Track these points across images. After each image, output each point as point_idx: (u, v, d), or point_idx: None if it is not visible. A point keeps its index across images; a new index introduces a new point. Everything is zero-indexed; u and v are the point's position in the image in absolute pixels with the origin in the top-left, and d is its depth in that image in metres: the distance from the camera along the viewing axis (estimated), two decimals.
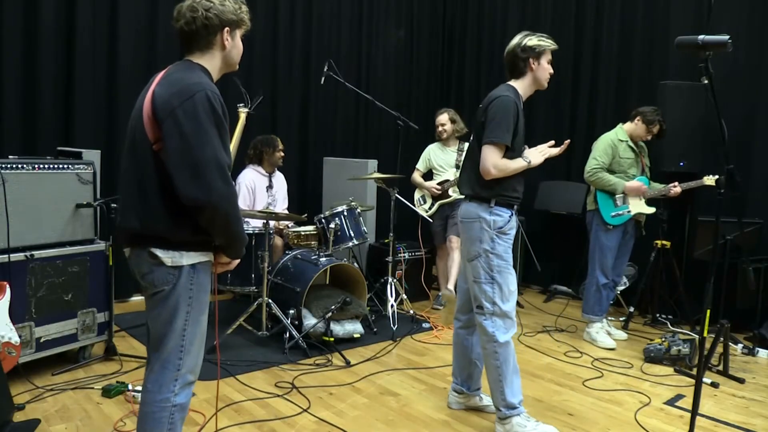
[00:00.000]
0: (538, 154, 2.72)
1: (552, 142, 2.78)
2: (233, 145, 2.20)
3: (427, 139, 6.49)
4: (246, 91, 2.34)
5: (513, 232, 2.73)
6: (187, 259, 1.88)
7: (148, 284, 1.90)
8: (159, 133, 1.78)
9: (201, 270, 1.93)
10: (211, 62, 1.93)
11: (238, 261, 2.06)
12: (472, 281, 2.72)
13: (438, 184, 4.81)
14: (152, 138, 1.80)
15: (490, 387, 2.73)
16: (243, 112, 2.44)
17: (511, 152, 2.65)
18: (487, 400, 2.96)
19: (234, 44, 1.95)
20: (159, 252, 1.85)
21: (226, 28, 1.90)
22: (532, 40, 2.71)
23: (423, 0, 6.74)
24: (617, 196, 4.03)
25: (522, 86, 2.75)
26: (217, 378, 3.00)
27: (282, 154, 4.71)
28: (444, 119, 4.82)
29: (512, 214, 2.71)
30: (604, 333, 4.16)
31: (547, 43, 2.74)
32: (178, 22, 1.89)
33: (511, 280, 2.70)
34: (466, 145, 4.79)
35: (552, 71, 2.79)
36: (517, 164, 2.65)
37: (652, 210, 4.09)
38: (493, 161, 2.60)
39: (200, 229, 1.86)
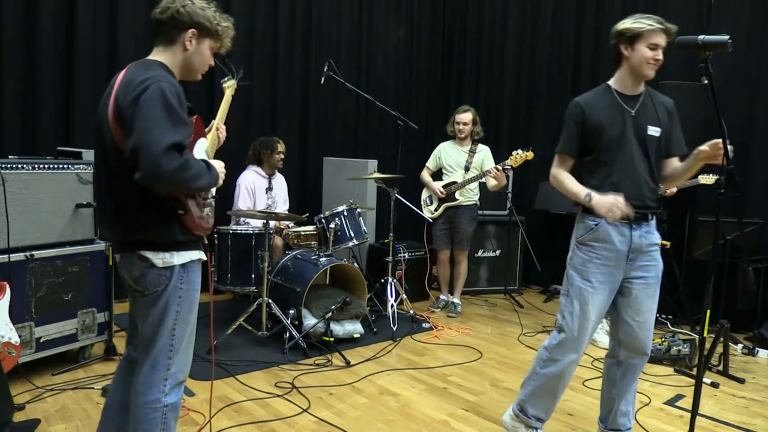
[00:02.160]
0: (606, 205, 2.24)
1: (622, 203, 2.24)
2: (219, 120, 2.20)
3: (427, 139, 6.53)
4: (227, 63, 2.31)
5: (604, 246, 2.36)
6: (178, 258, 1.89)
7: (141, 288, 1.90)
8: (124, 138, 1.75)
9: (191, 269, 1.93)
10: (173, 60, 1.91)
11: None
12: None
13: (444, 186, 4.78)
14: (121, 144, 1.78)
15: (526, 375, 2.64)
16: (228, 87, 2.39)
17: (595, 154, 2.37)
18: None
19: (198, 50, 1.92)
20: (149, 254, 1.85)
21: (193, 30, 1.88)
22: (625, 24, 2.34)
23: (423, 0, 6.75)
24: None
25: (618, 78, 2.43)
26: (219, 378, 3.00)
27: (281, 156, 4.69)
28: (467, 118, 4.73)
29: (599, 224, 2.35)
30: (604, 333, 4.16)
31: (642, 24, 2.33)
32: (156, 10, 1.90)
33: (586, 299, 2.38)
34: (479, 146, 4.80)
35: (658, 57, 2.36)
36: (574, 188, 2.38)
37: None
38: (553, 171, 2.47)
39: (188, 229, 1.86)
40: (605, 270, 2.38)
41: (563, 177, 2.44)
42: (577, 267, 2.43)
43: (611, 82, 2.45)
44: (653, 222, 2.44)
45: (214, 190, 2.00)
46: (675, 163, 2.50)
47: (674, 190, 3.99)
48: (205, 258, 2.02)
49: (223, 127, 2.19)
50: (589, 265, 2.39)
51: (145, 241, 1.85)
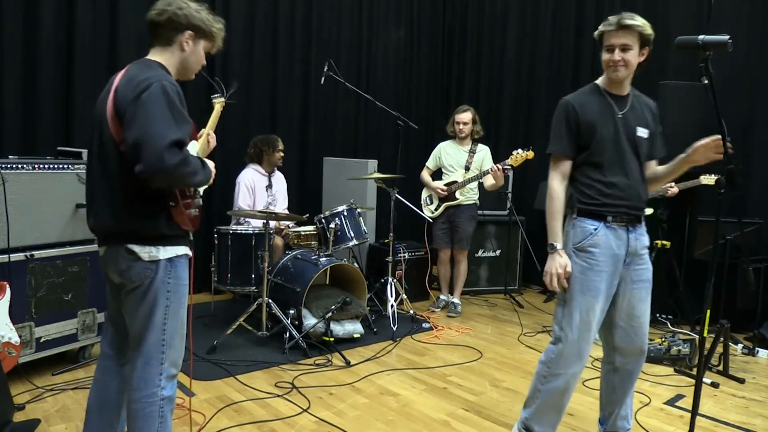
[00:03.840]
0: (552, 271, 2.31)
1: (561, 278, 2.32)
2: (209, 129, 2.23)
3: (427, 139, 6.53)
4: (219, 81, 2.34)
5: (601, 251, 2.29)
6: (164, 253, 1.91)
7: (126, 280, 1.92)
8: (123, 133, 1.81)
9: (178, 263, 1.96)
10: (170, 60, 1.98)
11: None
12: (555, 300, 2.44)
13: (445, 185, 4.79)
14: (117, 138, 1.84)
15: (528, 394, 2.55)
16: (218, 103, 2.43)
17: (588, 152, 2.33)
18: None
19: (193, 50, 1.99)
20: (136, 248, 1.88)
21: (189, 32, 1.96)
22: (598, 30, 2.32)
23: (423, 0, 6.75)
24: None
25: (605, 80, 2.40)
26: (219, 378, 3.00)
27: (281, 154, 4.70)
28: (467, 118, 4.73)
29: (599, 228, 2.29)
30: None
31: (600, 28, 2.30)
32: (152, 12, 1.96)
33: (587, 308, 2.31)
34: (479, 146, 4.80)
35: (615, 58, 2.28)
36: (556, 224, 2.33)
37: (649, 211, 4.09)
38: (552, 183, 2.38)
39: (176, 223, 1.91)
40: (605, 277, 2.31)
41: (554, 200, 2.35)
42: (576, 275, 2.32)
43: (600, 82, 2.43)
44: (644, 224, 2.43)
45: (201, 190, 2.05)
46: (654, 165, 2.49)
47: (675, 190, 3.99)
48: (191, 254, 2.04)
49: (213, 135, 2.24)
50: (589, 272, 2.31)
51: (133, 233, 1.88)
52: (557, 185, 2.36)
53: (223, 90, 2.50)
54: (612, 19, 2.27)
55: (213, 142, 2.23)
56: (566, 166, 2.38)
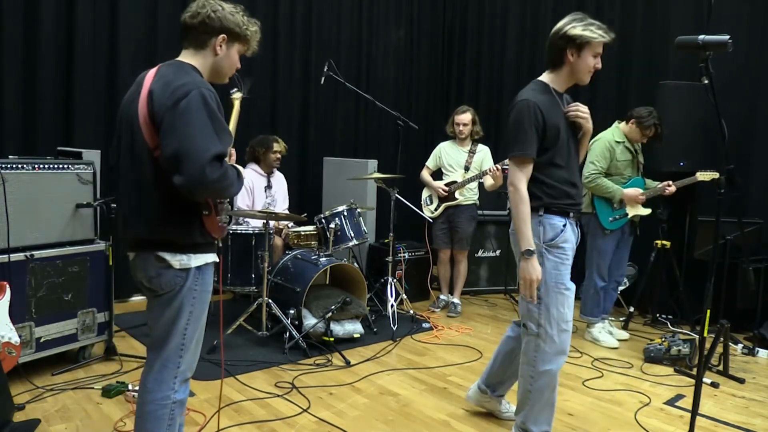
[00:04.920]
0: (529, 276, 2.33)
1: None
2: (231, 130, 2.22)
3: (427, 139, 6.53)
4: (237, 76, 2.36)
5: (569, 245, 2.40)
6: (195, 261, 1.90)
7: (155, 287, 1.91)
8: (158, 140, 1.77)
9: (206, 271, 1.96)
10: (203, 63, 1.93)
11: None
12: (521, 296, 2.46)
13: (446, 185, 4.79)
14: (152, 144, 1.80)
15: (517, 400, 2.58)
16: (237, 98, 2.43)
17: (549, 154, 2.38)
18: (506, 407, 2.84)
19: (227, 54, 1.95)
20: (167, 255, 1.86)
21: (223, 35, 1.91)
22: (576, 29, 2.34)
23: (423, 0, 6.75)
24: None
25: (556, 79, 2.44)
26: (219, 378, 3.00)
27: (278, 155, 4.66)
28: (466, 119, 4.73)
29: (566, 224, 2.39)
30: (606, 332, 4.16)
31: (593, 34, 2.33)
32: (186, 14, 1.92)
33: (563, 302, 2.38)
34: (479, 147, 4.80)
35: (598, 66, 2.39)
36: (526, 229, 2.31)
37: (648, 211, 4.09)
38: (513, 178, 2.36)
39: (207, 232, 1.89)
40: (569, 269, 2.41)
41: (525, 203, 2.33)
42: (550, 272, 2.37)
43: (547, 80, 2.45)
44: None
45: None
46: None
47: (673, 189, 4.00)
48: (218, 260, 2.04)
49: (234, 151, 2.20)
50: (562, 267, 2.38)
51: (165, 241, 1.86)
52: (524, 188, 2.35)
53: (239, 84, 2.49)
54: (602, 29, 2.36)
55: (233, 158, 2.22)
56: (531, 167, 2.38)
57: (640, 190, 3.99)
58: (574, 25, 2.36)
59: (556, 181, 2.39)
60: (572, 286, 2.42)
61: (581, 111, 2.43)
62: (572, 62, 2.37)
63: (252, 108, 5.36)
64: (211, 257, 1.97)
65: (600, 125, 5.21)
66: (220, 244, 2.06)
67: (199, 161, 1.67)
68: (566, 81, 2.45)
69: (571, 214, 2.41)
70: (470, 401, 2.94)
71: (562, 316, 2.38)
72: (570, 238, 2.41)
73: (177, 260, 1.86)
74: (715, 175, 3.94)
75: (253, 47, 2.03)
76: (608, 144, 4.02)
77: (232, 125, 2.21)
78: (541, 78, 2.48)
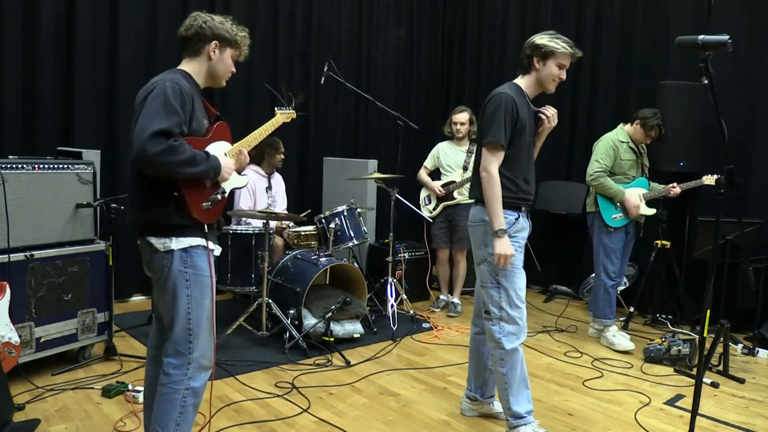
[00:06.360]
0: (502, 253, 2.51)
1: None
2: (245, 145, 2.31)
3: (427, 139, 6.51)
4: (287, 92, 2.48)
5: (522, 234, 2.66)
6: (176, 243, 2.01)
7: (152, 270, 2.08)
8: None
9: (194, 254, 2.05)
10: (198, 69, 2.14)
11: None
12: (480, 285, 2.68)
13: (443, 185, 4.79)
14: None
15: (498, 394, 2.71)
16: (283, 114, 2.59)
17: (513, 148, 2.58)
18: (499, 407, 2.89)
19: (220, 59, 2.16)
20: (153, 239, 2.02)
21: (215, 41, 2.13)
22: (542, 39, 2.61)
23: (423, 0, 6.75)
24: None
25: (526, 84, 2.69)
26: (219, 378, 2.99)
27: (282, 156, 4.71)
28: (464, 118, 4.75)
29: (519, 216, 2.64)
30: (620, 335, 4.11)
31: (557, 45, 2.59)
32: (181, 28, 2.14)
33: (519, 284, 2.62)
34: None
35: (562, 77, 2.65)
36: (498, 209, 2.52)
37: (652, 211, 4.09)
38: (485, 163, 2.56)
39: (186, 214, 2.00)
40: (522, 254, 2.66)
41: (498, 187, 2.54)
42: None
43: (522, 85, 2.69)
44: None
45: (225, 186, 2.13)
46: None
47: (678, 191, 4.00)
48: (213, 247, 2.12)
49: (246, 152, 2.30)
50: (517, 253, 2.61)
51: (150, 224, 2.01)
52: (497, 173, 2.56)
53: (291, 102, 2.66)
54: (567, 42, 2.62)
55: (246, 160, 2.30)
56: (502, 155, 2.59)
57: (639, 202, 3.98)
58: (542, 36, 2.64)
59: (515, 175, 2.61)
60: (522, 267, 2.67)
61: (549, 109, 2.73)
62: (538, 70, 2.64)
63: (252, 108, 5.35)
64: (196, 241, 2.05)
65: (600, 125, 5.25)
66: (218, 232, 2.12)
67: (140, 138, 1.84)
68: (534, 87, 2.70)
69: (523, 208, 2.67)
70: (467, 414, 2.97)
71: (519, 297, 2.62)
72: (522, 227, 2.66)
73: (161, 243, 2.00)
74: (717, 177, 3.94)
75: (244, 52, 2.26)
76: (612, 142, 4.02)
77: (256, 136, 2.38)
78: (515, 81, 2.72)
